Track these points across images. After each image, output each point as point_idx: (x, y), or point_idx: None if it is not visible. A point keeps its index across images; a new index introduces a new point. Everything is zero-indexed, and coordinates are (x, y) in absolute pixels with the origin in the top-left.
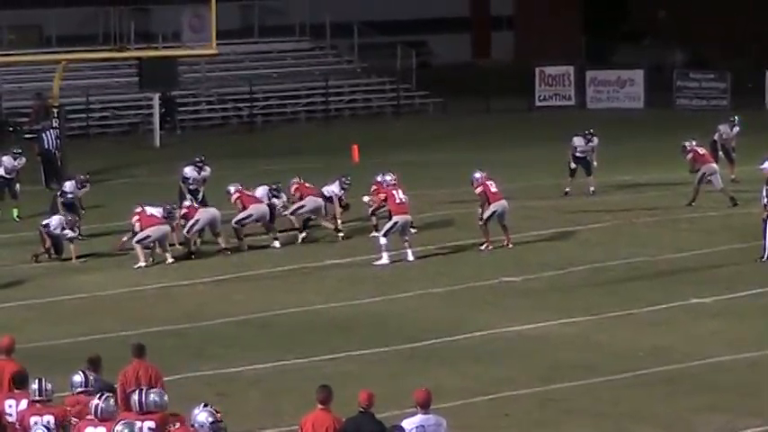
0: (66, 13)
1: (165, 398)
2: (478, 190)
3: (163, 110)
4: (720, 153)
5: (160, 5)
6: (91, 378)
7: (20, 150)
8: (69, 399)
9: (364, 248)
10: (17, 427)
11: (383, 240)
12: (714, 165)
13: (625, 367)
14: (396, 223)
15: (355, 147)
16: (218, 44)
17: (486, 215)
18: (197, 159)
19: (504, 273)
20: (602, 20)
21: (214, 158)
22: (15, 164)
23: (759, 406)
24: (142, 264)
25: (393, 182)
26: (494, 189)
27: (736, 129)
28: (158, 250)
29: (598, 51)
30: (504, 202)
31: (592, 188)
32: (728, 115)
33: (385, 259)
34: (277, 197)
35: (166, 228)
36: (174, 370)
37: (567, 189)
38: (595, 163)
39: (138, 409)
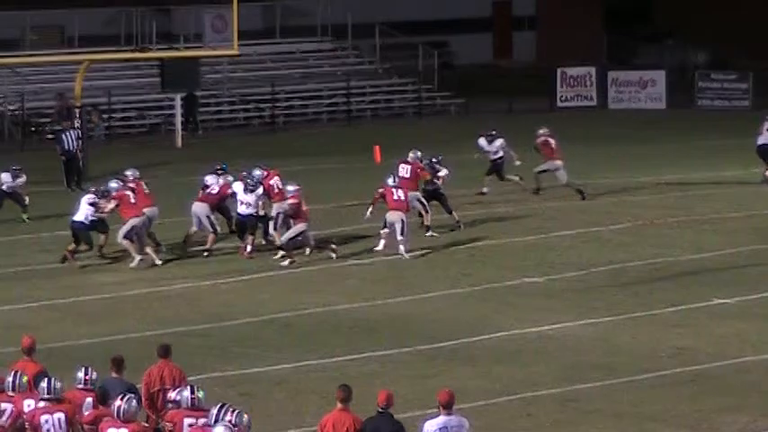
0: (88, 14)
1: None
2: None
3: (184, 110)
4: None
5: (182, 6)
6: (93, 376)
7: (19, 167)
8: (66, 393)
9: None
10: (27, 426)
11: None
12: (558, 162)
13: (647, 368)
14: (386, 221)
15: (377, 147)
16: (240, 45)
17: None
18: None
19: (527, 273)
20: (624, 20)
21: (236, 159)
22: (14, 183)
23: None
24: (138, 258)
25: (395, 184)
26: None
27: None
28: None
29: (620, 52)
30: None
31: (484, 189)
32: (751, 116)
33: (380, 246)
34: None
35: (146, 218)
36: (198, 370)
37: (485, 189)
38: (518, 162)
39: (190, 405)
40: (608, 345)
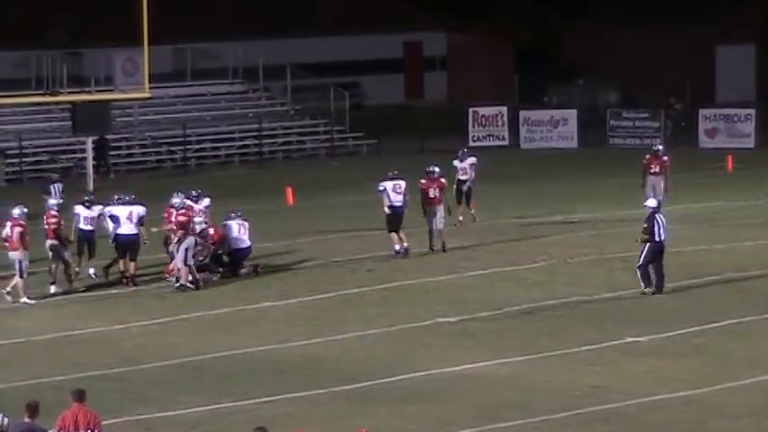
0: None
1: None
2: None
3: (95, 154)
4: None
5: (93, 49)
6: (4, 422)
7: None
8: None
9: (300, 290)
10: None
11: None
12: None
13: (561, 407)
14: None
15: (289, 189)
16: (151, 87)
17: None
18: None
19: (441, 313)
20: (534, 60)
21: (147, 202)
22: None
23: None
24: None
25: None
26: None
27: None
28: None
29: (531, 91)
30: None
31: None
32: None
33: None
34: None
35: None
36: (113, 414)
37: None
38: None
39: None
40: (523, 384)
